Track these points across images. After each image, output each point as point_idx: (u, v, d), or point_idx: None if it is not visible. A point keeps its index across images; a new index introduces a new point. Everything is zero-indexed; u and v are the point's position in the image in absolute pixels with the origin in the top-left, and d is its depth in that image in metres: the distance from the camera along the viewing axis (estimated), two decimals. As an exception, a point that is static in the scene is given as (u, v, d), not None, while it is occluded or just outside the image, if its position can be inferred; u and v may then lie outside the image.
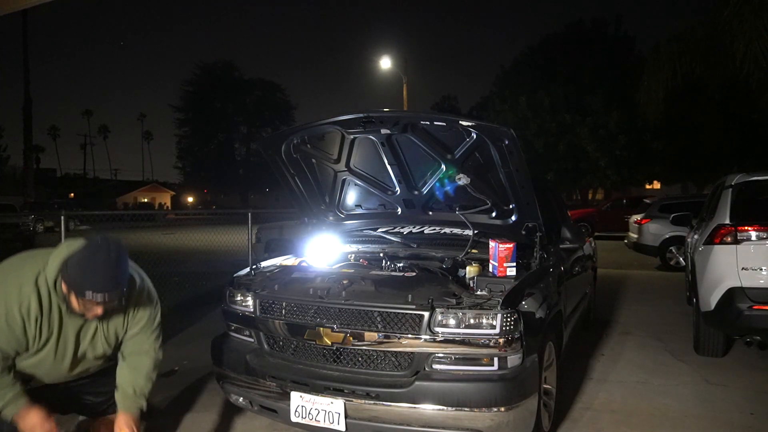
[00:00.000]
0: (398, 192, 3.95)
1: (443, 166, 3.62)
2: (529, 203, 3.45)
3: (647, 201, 14.73)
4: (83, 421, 2.88)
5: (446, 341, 2.69)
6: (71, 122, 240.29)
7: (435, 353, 2.71)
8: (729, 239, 4.49)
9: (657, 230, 11.28)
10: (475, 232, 3.73)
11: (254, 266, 3.69)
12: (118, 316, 2.38)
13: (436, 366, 2.72)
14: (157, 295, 2.53)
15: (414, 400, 2.64)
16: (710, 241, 4.67)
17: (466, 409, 2.59)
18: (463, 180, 3.55)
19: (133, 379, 2.46)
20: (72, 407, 2.67)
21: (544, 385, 3.13)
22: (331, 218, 4.34)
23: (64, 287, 2.09)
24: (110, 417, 2.58)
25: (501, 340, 2.64)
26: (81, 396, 2.59)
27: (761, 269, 4.32)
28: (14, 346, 2.16)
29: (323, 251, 3.93)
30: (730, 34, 9.98)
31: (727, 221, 4.60)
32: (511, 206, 3.59)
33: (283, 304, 3.07)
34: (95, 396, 2.61)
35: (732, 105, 18.53)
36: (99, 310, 2.15)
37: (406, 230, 4.12)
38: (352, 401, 2.74)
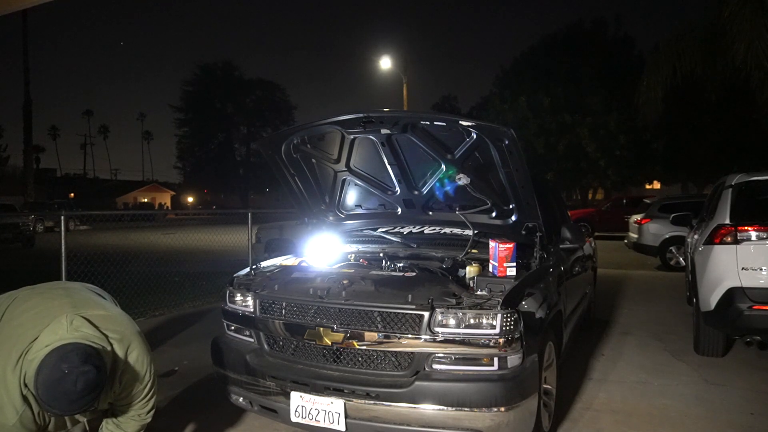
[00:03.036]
0: (398, 192, 3.95)
1: (443, 166, 3.62)
2: (529, 203, 3.45)
3: (647, 201, 14.72)
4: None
5: (446, 341, 2.69)
6: (71, 122, 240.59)
7: (435, 353, 2.71)
8: (729, 239, 4.49)
9: (657, 230, 11.29)
10: (475, 232, 3.73)
11: (254, 266, 3.69)
12: (107, 392, 2.33)
13: (436, 366, 2.72)
14: (148, 356, 2.46)
15: (414, 400, 2.64)
16: (710, 241, 4.67)
17: (466, 409, 2.59)
18: (463, 180, 3.55)
19: None
20: None
21: (544, 385, 3.13)
22: (331, 218, 4.34)
23: (36, 396, 2.09)
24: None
25: (501, 340, 2.64)
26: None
27: (761, 269, 4.31)
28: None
29: (323, 251, 3.93)
30: (731, 34, 9.98)
31: (727, 221, 4.60)
32: (511, 206, 3.59)
33: (283, 304, 3.08)
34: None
35: (732, 105, 18.53)
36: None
37: (406, 230, 4.12)
38: (352, 401, 2.74)
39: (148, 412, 2.52)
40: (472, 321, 2.67)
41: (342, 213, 4.31)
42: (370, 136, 3.59)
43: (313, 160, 3.96)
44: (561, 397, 3.62)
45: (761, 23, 9.52)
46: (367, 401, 2.71)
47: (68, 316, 2.22)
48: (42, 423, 2.22)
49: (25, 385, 2.12)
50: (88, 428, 2.46)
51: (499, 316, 2.64)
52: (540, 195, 3.58)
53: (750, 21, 9.58)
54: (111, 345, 2.27)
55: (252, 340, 3.23)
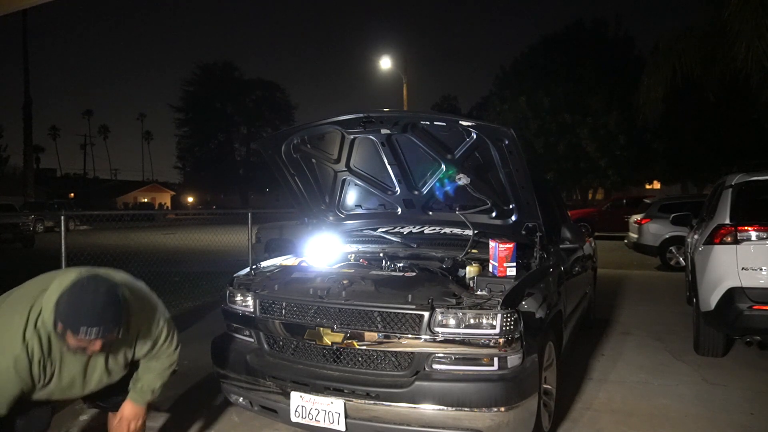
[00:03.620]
0: (398, 192, 3.95)
1: (443, 166, 3.62)
2: (529, 203, 3.45)
3: (647, 201, 14.73)
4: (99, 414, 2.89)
5: (446, 341, 2.69)
6: (71, 122, 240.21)
7: (435, 353, 2.71)
8: (729, 239, 4.49)
9: (657, 230, 11.28)
10: (475, 232, 3.73)
11: (254, 266, 3.68)
12: (123, 343, 2.38)
13: (436, 366, 2.72)
14: (161, 306, 2.55)
15: (414, 400, 2.64)
16: (710, 241, 4.67)
17: (466, 409, 2.59)
18: (463, 180, 3.55)
19: (143, 377, 2.57)
20: (94, 400, 2.66)
21: (544, 385, 3.13)
22: (331, 218, 4.34)
23: (60, 326, 2.09)
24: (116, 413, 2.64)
25: (501, 340, 2.64)
26: (103, 393, 2.59)
27: (761, 269, 4.31)
28: (20, 388, 2.16)
29: (323, 251, 3.93)
30: (731, 35, 9.97)
31: (727, 221, 4.60)
32: (511, 206, 3.60)
33: (283, 304, 3.07)
34: (117, 394, 2.61)
35: (732, 105, 18.54)
36: (97, 346, 2.16)
37: (406, 230, 4.12)
38: (352, 401, 2.74)
39: (175, 349, 2.62)
40: (472, 321, 2.67)
41: (342, 213, 4.31)
42: (370, 136, 3.59)
43: (313, 160, 3.96)
44: (561, 397, 3.62)
45: (762, 23, 9.51)
46: (367, 401, 2.71)
47: (76, 269, 2.28)
48: (42, 376, 2.19)
49: (35, 327, 2.13)
50: (109, 376, 2.44)
51: (499, 316, 2.64)
52: (540, 195, 3.58)
53: (750, 21, 9.57)
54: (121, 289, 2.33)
55: (252, 340, 3.23)
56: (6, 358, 2.10)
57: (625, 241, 13.14)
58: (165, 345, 2.57)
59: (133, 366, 2.55)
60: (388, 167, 3.78)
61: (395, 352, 2.80)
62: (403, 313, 2.75)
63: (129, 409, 2.55)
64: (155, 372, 2.58)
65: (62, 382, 2.26)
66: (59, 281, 2.18)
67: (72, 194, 56.01)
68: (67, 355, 2.23)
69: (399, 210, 4.09)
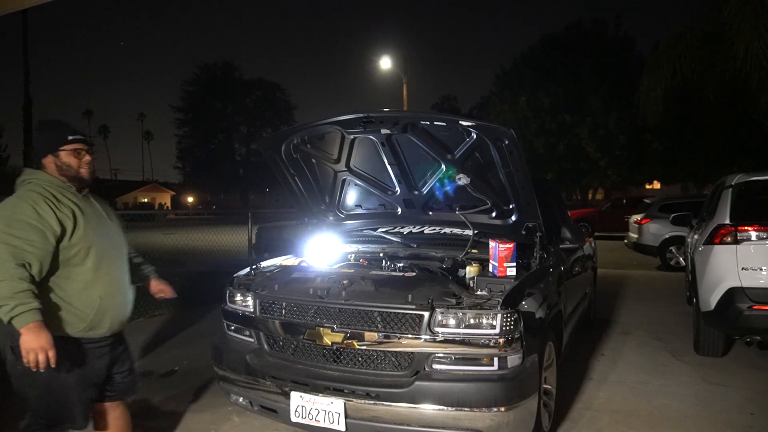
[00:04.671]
0: (398, 192, 3.95)
1: (443, 166, 3.62)
2: (529, 203, 3.45)
3: (647, 201, 14.72)
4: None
5: (446, 341, 2.69)
6: (71, 122, 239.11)
7: (435, 353, 2.71)
8: (729, 239, 4.49)
9: (657, 230, 11.28)
10: (475, 232, 3.73)
11: (254, 266, 3.68)
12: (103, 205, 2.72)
13: (436, 366, 2.72)
14: None
15: (414, 400, 2.64)
16: (710, 241, 4.67)
17: (466, 409, 2.59)
18: (463, 180, 3.55)
19: (138, 259, 2.93)
20: (103, 390, 2.68)
21: (544, 385, 3.13)
22: (331, 218, 4.34)
23: (51, 161, 2.45)
24: (113, 404, 2.71)
25: (501, 340, 2.64)
26: (114, 375, 2.67)
27: (761, 269, 4.31)
28: (40, 230, 2.30)
29: (323, 251, 3.93)
30: (731, 34, 9.97)
31: (727, 221, 4.60)
32: (511, 206, 3.59)
33: (283, 304, 3.07)
34: (123, 375, 2.71)
35: (732, 105, 18.53)
36: (87, 156, 2.53)
37: (406, 230, 4.12)
38: (352, 401, 2.74)
39: None
40: (472, 321, 2.67)
41: (342, 213, 4.31)
42: (370, 136, 3.59)
43: (313, 160, 3.96)
44: (561, 397, 3.62)
45: (761, 23, 9.51)
46: (367, 401, 2.71)
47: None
48: (63, 217, 2.35)
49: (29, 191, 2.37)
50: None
51: (499, 316, 2.64)
52: (540, 195, 3.58)
53: (750, 21, 9.57)
54: None
55: (252, 340, 3.23)
56: (9, 211, 2.29)
57: (625, 241, 13.14)
58: None
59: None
60: (388, 167, 3.78)
61: (395, 352, 2.80)
62: (403, 313, 2.75)
63: (155, 283, 2.96)
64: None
65: (92, 221, 2.48)
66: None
67: (72, 194, 55.76)
68: (80, 202, 2.48)
69: (399, 210, 4.09)
